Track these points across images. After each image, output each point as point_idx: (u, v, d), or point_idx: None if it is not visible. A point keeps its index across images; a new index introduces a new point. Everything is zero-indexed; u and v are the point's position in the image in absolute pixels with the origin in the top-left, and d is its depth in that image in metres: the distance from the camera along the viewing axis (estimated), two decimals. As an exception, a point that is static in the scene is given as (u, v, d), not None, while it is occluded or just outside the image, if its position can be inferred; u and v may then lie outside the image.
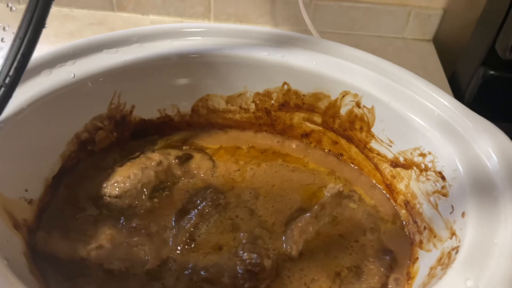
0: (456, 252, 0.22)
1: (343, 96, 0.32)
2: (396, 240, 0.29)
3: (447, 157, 0.26)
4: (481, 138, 0.26)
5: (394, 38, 0.76)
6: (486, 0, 0.56)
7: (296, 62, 0.32)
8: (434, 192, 0.27)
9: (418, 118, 0.29)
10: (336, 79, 0.31)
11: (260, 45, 0.33)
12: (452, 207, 0.25)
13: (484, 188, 0.24)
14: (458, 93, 0.60)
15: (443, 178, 0.27)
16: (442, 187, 0.27)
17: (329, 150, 0.35)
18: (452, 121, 0.28)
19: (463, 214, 0.24)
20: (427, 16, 0.72)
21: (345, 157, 0.34)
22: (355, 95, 0.31)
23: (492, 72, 0.54)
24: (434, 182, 0.28)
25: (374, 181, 0.33)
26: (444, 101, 0.29)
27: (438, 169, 0.27)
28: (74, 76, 0.29)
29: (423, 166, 0.28)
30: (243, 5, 0.54)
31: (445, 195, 0.26)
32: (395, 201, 0.31)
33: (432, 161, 0.28)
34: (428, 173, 0.28)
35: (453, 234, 0.24)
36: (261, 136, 0.36)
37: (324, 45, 0.33)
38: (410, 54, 0.73)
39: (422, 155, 0.29)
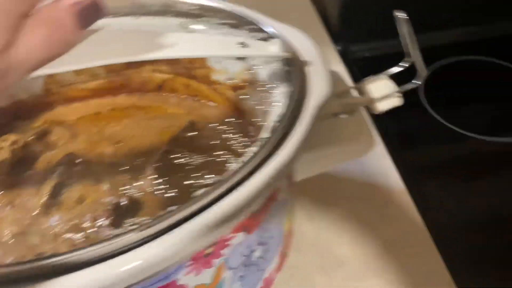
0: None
1: (176, 38, 0.34)
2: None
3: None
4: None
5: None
6: None
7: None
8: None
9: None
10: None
11: None
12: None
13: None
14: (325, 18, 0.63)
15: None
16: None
17: (186, 95, 0.37)
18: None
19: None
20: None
21: (200, 96, 0.37)
22: (184, 34, 0.33)
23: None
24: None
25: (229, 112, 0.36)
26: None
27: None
28: None
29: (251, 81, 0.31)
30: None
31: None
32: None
33: (254, 74, 0.31)
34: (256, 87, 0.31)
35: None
36: (121, 98, 0.38)
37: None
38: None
39: (246, 69, 0.31)
